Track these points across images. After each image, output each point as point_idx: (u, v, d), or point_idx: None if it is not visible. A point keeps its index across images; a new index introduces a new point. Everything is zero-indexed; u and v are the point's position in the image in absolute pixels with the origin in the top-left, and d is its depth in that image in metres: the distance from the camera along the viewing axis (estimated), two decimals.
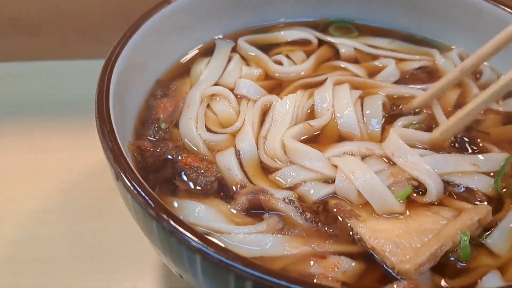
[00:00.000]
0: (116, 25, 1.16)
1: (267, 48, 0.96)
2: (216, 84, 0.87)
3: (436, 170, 0.71)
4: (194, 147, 0.78)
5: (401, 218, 0.67)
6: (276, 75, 0.91)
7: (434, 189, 0.69)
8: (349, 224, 0.67)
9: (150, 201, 0.57)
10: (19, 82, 1.19)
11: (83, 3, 1.14)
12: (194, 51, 0.95)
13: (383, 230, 0.65)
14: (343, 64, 0.92)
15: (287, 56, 0.94)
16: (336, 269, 0.62)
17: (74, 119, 1.11)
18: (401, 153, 0.72)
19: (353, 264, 0.63)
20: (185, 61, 0.93)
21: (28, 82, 1.19)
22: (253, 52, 0.94)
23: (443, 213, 0.68)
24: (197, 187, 0.72)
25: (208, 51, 0.94)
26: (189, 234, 0.54)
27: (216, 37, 0.97)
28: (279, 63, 0.93)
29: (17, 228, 0.93)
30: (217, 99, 0.85)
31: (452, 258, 0.64)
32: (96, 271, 0.88)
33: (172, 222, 0.55)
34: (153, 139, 0.78)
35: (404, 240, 0.63)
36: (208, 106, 0.84)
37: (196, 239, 0.54)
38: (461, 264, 0.64)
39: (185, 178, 0.73)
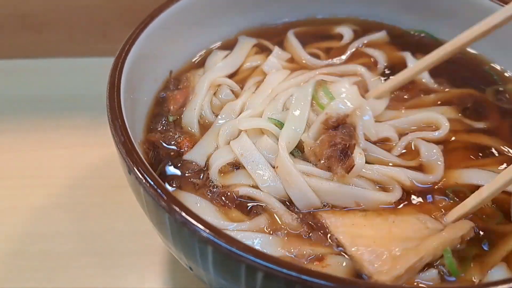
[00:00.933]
0: (122, 22, 1.17)
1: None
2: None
3: None
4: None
5: (384, 224, 0.67)
6: (303, 62, 0.93)
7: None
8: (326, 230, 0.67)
9: (162, 194, 0.58)
10: (25, 78, 1.20)
11: (89, 1, 1.14)
12: (209, 48, 0.95)
13: (363, 237, 0.65)
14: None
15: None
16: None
17: (80, 116, 1.12)
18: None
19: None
20: (200, 57, 0.94)
21: (33, 79, 1.19)
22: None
23: (429, 224, 0.67)
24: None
25: (226, 47, 0.95)
26: (200, 225, 0.55)
27: (233, 34, 0.97)
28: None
29: (21, 224, 0.94)
30: (224, 89, 0.86)
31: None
32: (101, 267, 0.88)
33: (184, 214, 0.56)
34: (162, 131, 0.80)
35: (384, 249, 0.64)
36: (215, 95, 0.86)
37: (207, 230, 0.55)
38: (450, 279, 0.64)
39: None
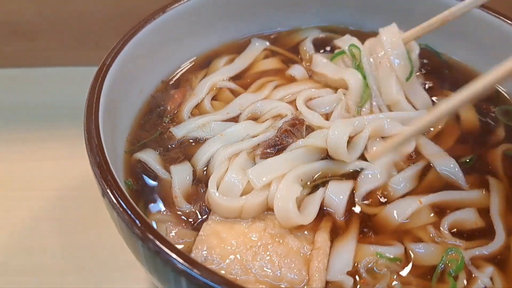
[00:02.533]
0: (115, 30, 1.13)
1: None
2: None
3: None
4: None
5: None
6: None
7: None
8: None
9: (136, 220, 0.55)
10: (15, 88, 1.18)
11: (82, 8, 1.12)
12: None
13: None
14: None
15: None
16: None
17: (70, 127, 1.07)
18: None
19: None
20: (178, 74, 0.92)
21: (24, 89, 1.18)
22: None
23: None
24: None
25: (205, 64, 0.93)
26: (174, 255, 0.53)
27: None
28: None
29: (7, 237, 0.92)
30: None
31: None
32: (88, 283, 0.86)
33: (158, 243, 0.54)
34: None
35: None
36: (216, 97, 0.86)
37: (181, 261, 0.52)
38: None
39: None
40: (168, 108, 0.83)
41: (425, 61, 0.93)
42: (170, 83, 0.88)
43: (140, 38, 0.80)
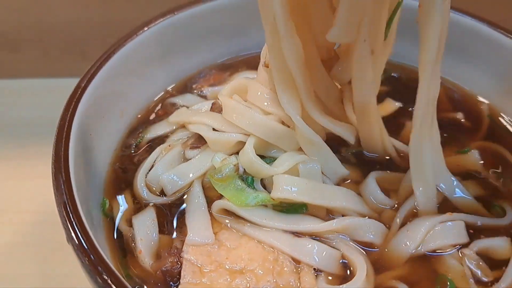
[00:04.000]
0: (102, 40, 1.09)
1: None
2: None
3: None
4: None
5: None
6: None
7: None
8: None
9: (102, 273, 0.49)
10: None
11: (67, 17, 1.07)
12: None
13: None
14: None
15: None
16: None
17: (50, 143, 1.03)
18: None
19: None
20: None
21: (5, 102, 1.11)
22: None
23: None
24: None
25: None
26: None
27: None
28: None
29: None
30: None
31: None
32: None
33: None
34: None
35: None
36: None
37: None
38: None
39: None
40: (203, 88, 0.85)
41: None
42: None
43: (120, 57, 0.74)
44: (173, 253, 0.62)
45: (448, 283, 0.62)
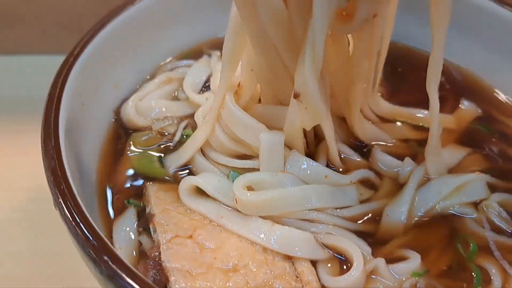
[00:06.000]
0: (99, 17, 1.07)
1: None
2: None
3: None
4: None
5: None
6: None
7: None
8: None
9: (91, 238, 0.47)
10: None
11: None
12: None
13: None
14: None
15: None
16: None
17: None
18: None
19: None
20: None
21: (1, 77, 1.10)
22: None
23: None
24: None
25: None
26: (131, 281, 0.44)
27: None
28: None
29: None
30: None
31: None
32: None
33: (112, 265, 0.45)
34: None
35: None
36: None
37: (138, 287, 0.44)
38: None
39: None
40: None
41: None
42: None
43: (116, 25, 0.72)
44: (151, 265, 0.58)
45: (471, 244, 0.61)
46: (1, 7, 1.07)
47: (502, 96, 0.82)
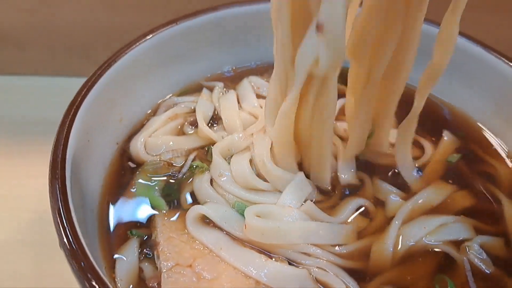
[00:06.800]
0: (106, 43, 1.11)
1: None
2: None
3: None
4: None
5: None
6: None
7: None
8: None
9: (92, 279, 0.50)
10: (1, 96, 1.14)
11: (74, 20, 1.08)
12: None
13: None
14: None
15: None
16: None
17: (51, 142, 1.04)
18: None
19: None
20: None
21: (8, 98, 1.13)
22: None
23: None
24: None
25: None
26: None
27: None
28: None
29: None
30: None
31: None
32: None
33: None
34: None
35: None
36: None
37: None
38: None
39: None
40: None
41: None
42: None
43: (120, 65, 0.76)
44: None
45: (449, 285, 0.63)
46: (12, 31, 1.10)
47: (488, 136, 0.85)
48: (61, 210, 0.55)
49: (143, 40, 0.78)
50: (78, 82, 1.11)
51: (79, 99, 0.67)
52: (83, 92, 0.68)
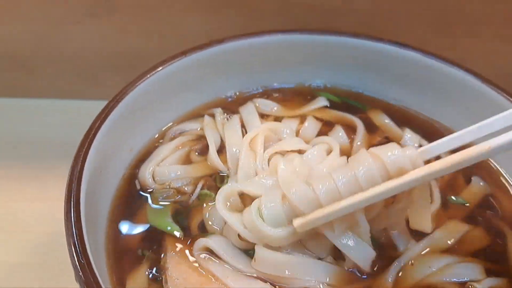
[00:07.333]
0: (114, 67, 1.14)
1: None
2: None
3: None
4: None
5: None
6: None
7: None
8: None
9: None
10: (9, 118, 1.16)
11: (82, 45, 1.11)
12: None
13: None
14: None
15: None
16: None
17: (63, 164, 1.02)
18: None
19: None
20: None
21: (18, 120, 1.15)
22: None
23: None
24: None
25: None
26: None
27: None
28: None
29: None
30: None
31: None
32: None
33: None
34: None
35: None
36: None
37: None
38: None
39: None
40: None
41: None
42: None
43: (133, 95, 0.78)
44: None
45: None
46: (22, 54, 1.13)
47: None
48: (76, 245, 0.58)
49: (154, 72, 0.81)
50: (86, 105, 1.16)
51: (92, 132, 0.70)
52: (97, 125, 0.71)
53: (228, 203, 0.71)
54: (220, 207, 0.68)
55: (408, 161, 0.62)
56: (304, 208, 0.64)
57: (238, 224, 0.67)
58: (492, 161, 0.87)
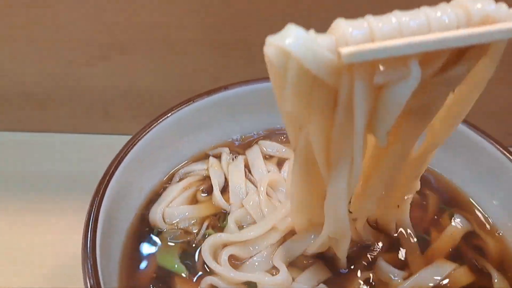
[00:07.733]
0: (124, 103, 1.19)
1: None
2: None
3: None
4: None
5: None
6: None
7: None
8: None
9: None
10: (22, 153, 1.20)
11: (94, 83, 1.16)
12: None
13: None
14: None
15: None
16: None
17: (73, 198, 1.07)
18: None
19: None
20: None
21: (32, 155, 1.20)
22: None
23: None
24: None
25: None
26: None
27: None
28: None
29: None
30: None
31: None
32: None
33: None
34: None
35: None
36: None
37: None
38: None
39: None
40: None
41: None
42: None
43: (145, 141, 0.84)
44: None
45: None
46: (36, 92, 1.18)
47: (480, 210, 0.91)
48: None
49: (163, 119, 0.86)
50: (97, 139, 1.22)
51: (108, 175, 0.75)
52: (112, 169, 0.76)
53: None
54: (206, 255, 0.77)
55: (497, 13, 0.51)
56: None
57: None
58: (472, 199, 0.92)
